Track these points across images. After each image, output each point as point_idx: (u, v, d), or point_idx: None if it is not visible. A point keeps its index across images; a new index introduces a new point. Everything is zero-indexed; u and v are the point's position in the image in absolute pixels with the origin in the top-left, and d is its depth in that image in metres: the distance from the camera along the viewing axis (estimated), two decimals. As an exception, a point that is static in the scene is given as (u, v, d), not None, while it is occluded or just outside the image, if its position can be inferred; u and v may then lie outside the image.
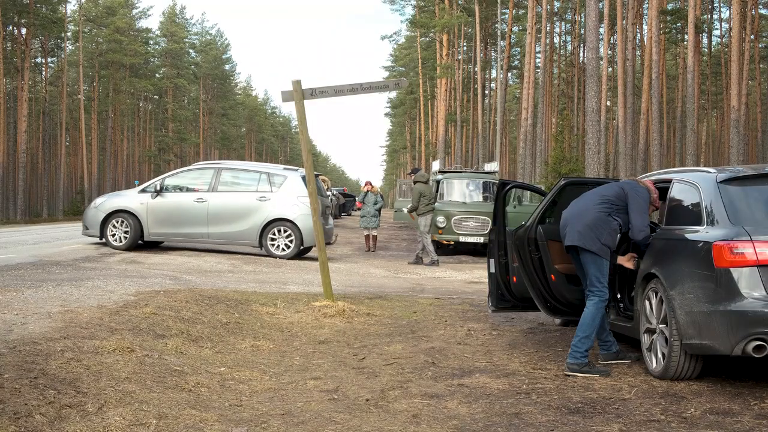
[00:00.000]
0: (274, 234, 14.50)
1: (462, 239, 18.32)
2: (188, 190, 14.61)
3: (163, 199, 14.38)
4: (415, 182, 16.90)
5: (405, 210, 26.77)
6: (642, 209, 6.11)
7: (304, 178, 14.99)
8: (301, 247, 14.64)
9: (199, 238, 14.56)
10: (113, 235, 14.29)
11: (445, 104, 56.16)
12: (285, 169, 15.20)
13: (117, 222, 14.29)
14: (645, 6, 41.44)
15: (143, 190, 14.59)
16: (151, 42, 77.11)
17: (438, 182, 19.90)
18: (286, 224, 14.39)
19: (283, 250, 14.49)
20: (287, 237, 14.48)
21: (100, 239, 14.53)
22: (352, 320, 8.51)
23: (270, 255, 14.50)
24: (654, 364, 5.86)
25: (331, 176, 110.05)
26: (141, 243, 14.59)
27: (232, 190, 14.57)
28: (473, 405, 5.09)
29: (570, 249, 6.23)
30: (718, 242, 5.19)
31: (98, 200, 15.02)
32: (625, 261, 6.38)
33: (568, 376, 5.90)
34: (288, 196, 14.37)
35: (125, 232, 14.26)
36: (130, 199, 14.56)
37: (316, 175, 15.91)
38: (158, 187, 14.46)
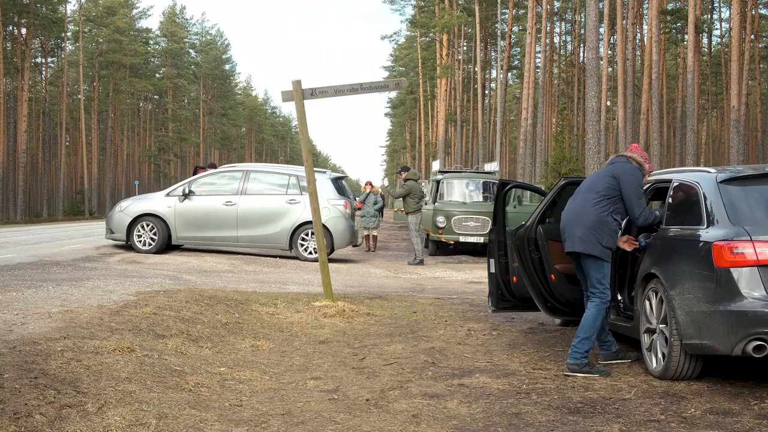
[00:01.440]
0: (304, 237, 14.46)
1: (462, 239, 18.30)
2: (216, 193, 14.52)
3: (191, 202, 14.31)
4: (406, 180, 16.90)
5: (395, 210, 26.60)
6: (636, 193, 6.03)
7: (333, 180, 14.93)
8: (331, 250, 14.53)
9: (228, 241, 14.51)
10: (140, 239, 14.15)
11: (445, 104, 56.18)
12: (314, 171, 15.15)
13: (144, 226, 14.18)
14: (645, 6, 41.45)
15: (170, 194, 14.51)
16: (151, 42, 77.18)
17: (438, 182, 19.88)
18: None
19: (312, 253, 14.40)
20: None
21: (126, 243, 14.37)
22: (352, 320, 8.51)
23: (300, 258, 14.46)
24: (654, 364, 5.86)
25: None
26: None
27: (261, 193, 14.50)
28: (473, 405, 5.09)
29: (571, 253, 6.22)
30: (718, 242, 5.19)
31: (123, 204, 14.82)
32: (623, 243, 6.31)
33: (568, 376, 5.89)
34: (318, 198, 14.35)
35: (152, 236, 14.15)
36: (157, 202, 14.46)
37: (342, 177, 15.91)
38: (186, 191, 14.37)
